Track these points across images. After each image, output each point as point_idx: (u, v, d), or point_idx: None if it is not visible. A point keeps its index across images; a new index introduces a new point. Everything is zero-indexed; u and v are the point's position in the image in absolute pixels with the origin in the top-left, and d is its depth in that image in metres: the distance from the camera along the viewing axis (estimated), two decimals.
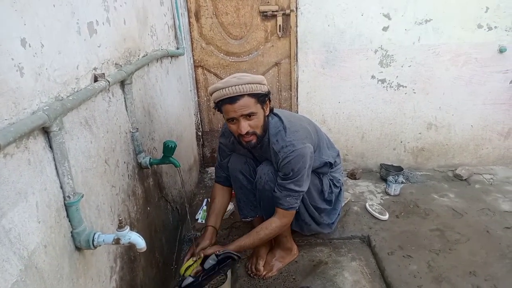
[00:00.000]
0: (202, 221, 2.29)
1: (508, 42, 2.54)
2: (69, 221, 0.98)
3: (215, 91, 1.53)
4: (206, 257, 1.65)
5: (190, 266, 1.63)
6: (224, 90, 1.50)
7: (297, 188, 1.67)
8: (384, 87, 2.68)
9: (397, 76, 2.65)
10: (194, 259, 1.64)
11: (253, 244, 1.76)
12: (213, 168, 2.98)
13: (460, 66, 2.61)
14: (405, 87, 2.68)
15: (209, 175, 2.95)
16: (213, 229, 1.82)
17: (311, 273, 1.96)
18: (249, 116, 1.54)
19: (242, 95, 1.49)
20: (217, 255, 1.62)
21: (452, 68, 2.62)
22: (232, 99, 1.50)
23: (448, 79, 2.66)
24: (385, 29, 2.52)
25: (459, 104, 2.73)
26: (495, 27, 2.51)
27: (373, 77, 2.65)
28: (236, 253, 1.66)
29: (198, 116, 2.88)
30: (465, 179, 2.75)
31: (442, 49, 2.57)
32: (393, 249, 2.05)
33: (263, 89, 1.54)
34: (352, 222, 2.30)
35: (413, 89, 2.69)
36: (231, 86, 1.48)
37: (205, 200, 2.50)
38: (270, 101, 1.64)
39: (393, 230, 2.20)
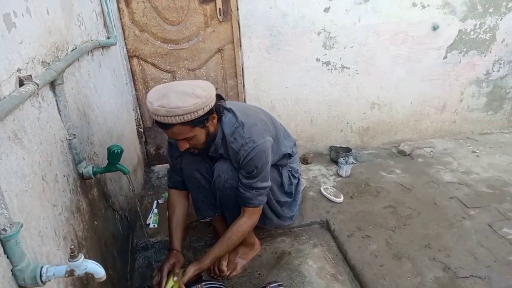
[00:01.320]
0: (154, 225, 2.13)
1: (440, 20, 2.66)
2: (8, 257, 0.81)
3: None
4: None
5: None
6: (153, 115, 1.35)
7: (264, 184, 1.62)
8: (329, 69, 2.68)
9: (340, 58, 2.66)
10: (176, 279, 1.56)
11: (228, 251, 1.69)
12: (159, 166, 2.82)
13: (399, 44, 2.68)
14: (349, 68, 2.70)
15: (156, 174, 2.76)
16: (178, 252, 1.69)
17: (275, 265, 1.91)
18: (185, 139, 1.44)
19: (173, 124, 1.35)
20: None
21: (391, 47, 2.69)
22: (163, 126, 1.38)
23: (388, 58, 2.72)
24: (326, 10, 2.49)
25: (399, 82, 2.82)
26: (428, 5, 2.60)
27: (317, 60, 2.63)
28: (220, 284, 1.65)
29: (138, 111, 2.66)
30: (408, 154, 2.87)
31: (382, 28, 2.61)
32: (352, 230, 2.07)
33: (201, 113, 1.36)
34: (310, 208, 2.29)
35: (356, 70, 2.72)
36: (160, 116, 1.32)
37: (155, 202, 2.33)
38: (217, 112, 1.49)
39: (350, 212, 2.23)
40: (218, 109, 1.49)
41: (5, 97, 0.87)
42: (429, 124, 3.05)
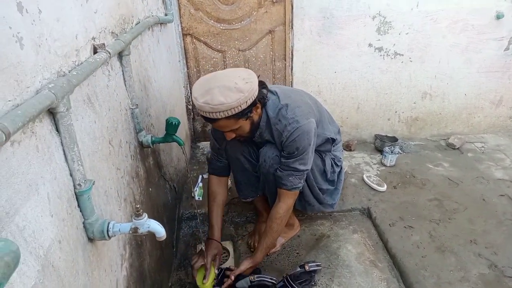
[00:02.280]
0: (199, 198, 2.22)
1: (506, 8, 2.50)
2: (81, 211, 0.89)
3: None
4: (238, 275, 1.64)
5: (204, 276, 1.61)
6: (199, 110, 1.40)
7: (301, 167, 1.58)
8: (381, 55, 2.61)
9: (394, 44, 2.58)
10: (217, 272, 1.64)
11: (274, 238, 1.71)
12: (205, 143, 2.90)
13: (457, 33, 2.57)
14: (402, 55, 2.62)
15: (201, 150, 2.85)
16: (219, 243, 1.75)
17: (314, 247, 1.94)
18: (230, 130, 1.48)
19: (218, 119, 1.39)
20: (251, 281, 1.61)
21: (449, 36, 2.57)
22: (208, 120, 1.42)
23: (445, 47, 2.61)
24: None
25: (454, 72, 2.71)
26: None
27: (370, 45, 2.57)
28: (271, 279, 1.64)
29: (188, 88, 2.74)
30: (458, 148, 2.77)
31: (440, 15, 2.50)
32: (394, 220, 2.05)
33: (244, 106, 1.38)
34: (351, 194, 2.28)
35: (410, 58, 2.64)
36: (205, 112, 1.36)
37: (200, 176, 2.41)
38: (260, 101, 1.49)
39: (392, 201, 2.20)
40: (261, 98, 1.49)
41: (82, 63, 0.94)
42: (482, 118, 2.92)
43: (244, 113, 1.41)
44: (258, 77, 1.50)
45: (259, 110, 1.52)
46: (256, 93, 1.42)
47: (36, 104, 0.68)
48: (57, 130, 0.80)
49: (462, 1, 2.47)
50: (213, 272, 1.61)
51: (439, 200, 2.19)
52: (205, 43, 2.61)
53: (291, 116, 1.53)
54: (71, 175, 0.85)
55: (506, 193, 2.23)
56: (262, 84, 1.52)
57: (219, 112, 1.35)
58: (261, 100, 1.49)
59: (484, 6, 2.50)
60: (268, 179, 1.71)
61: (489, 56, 2.67)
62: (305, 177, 1.66)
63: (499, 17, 2.51)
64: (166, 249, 1.75)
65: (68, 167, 0.84)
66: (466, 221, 2.02)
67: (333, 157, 1.89)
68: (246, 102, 1.38)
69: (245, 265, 1.64)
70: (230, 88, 1.35)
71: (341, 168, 1.96)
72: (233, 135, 1.52)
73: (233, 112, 1.37)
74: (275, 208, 1.67)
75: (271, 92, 1.61)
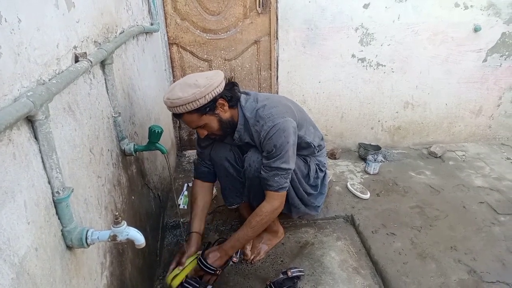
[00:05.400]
0: (184, 206, 2.22)
1: (483, 22, 2.59)
2: (59, 218, 0.89)
3: None
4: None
5: (177, 275, 1.62)
6: (167, 108, 1.48)
7: (284, 166, 1.58)
8: (364, 66, 2.67)
9: (376, 55, 2.64)
10: (181, 268, 1.63)
11: (248, 235, 1.68)
12: (191, 151, 2.90)
13: (437, 45, 2.64)
14: (384, 66, 2.68)
15: (187, 158, 2.85)
16: (197, 235, 1.75)
17: (298, 254, 1.95)
18: (198, 127, 1.53)
19: (181, 114, 1.45)
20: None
21: (429, 47, 2.64)
22: (175, 116, 1.50)
23: (425, 58, 2.68)
24: (365, 6, 2.48)
25: (435, 83, 2.78)
26: (471, 6, 2.54)
27: (353, 56, 2.63)
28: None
29: None
30: (439, 156, 2.83)
31: (421, 27, 2.57)
32: (377, 227, 2.08)
33: (203, 101, 1.42)
34: (335, 202, 2.31)
35: (392, 68, 2.70)
36: (168, 107, 1.45)
37: (185, 185, 2.42)
38: (226, 99, 1.51)
39: (375, 209, 2.23)
40: (226, 95, 1.51)
41: (63, 71, 0.95)
42: (463, 127, 2.99)
43: (204, 108, 1.45)
44: (232, 78, 1.57)
45: (226, 108, 1.55)
46: (218, 90, 1.46)
47: (13, 112, 0.68)
48: (36, 137, 0.81)
49: (441, 14, 2.55)
50: (176, 269, 1.64)
51: (421, 208, 2.23)
52: (191, 53, 2.63)
53: (267, 116, 1.56)
54: (49, 182, 0.85)
55: (486, 200, 2.28)
56: (233, 85, 1.56)
57: (178, 106, 1.41)
58: (225, 97, 1.51)
59: (462, 20, 2.58)
60: (254, 184, 1.73)
61: (468, 67, 2.74)
62: (290, 177, 1.66)
63: (477, 30, 2.59)
64: (150, 258, 1.74)
65: (47, 174, 0.84)
66: (447, 228, 2.06)
67: (317, 162, 1.92)
68: (205, 97, 1.42)
69: (215, 255, 1.66)
70: (189, 84, 1.41)
71: (325, 173, 1.98)
72: (205, 132, 1.57)
73: (192, 107, 1.42)
74: (259, 207, 1.67)
75: (247, 93, 1.65)
